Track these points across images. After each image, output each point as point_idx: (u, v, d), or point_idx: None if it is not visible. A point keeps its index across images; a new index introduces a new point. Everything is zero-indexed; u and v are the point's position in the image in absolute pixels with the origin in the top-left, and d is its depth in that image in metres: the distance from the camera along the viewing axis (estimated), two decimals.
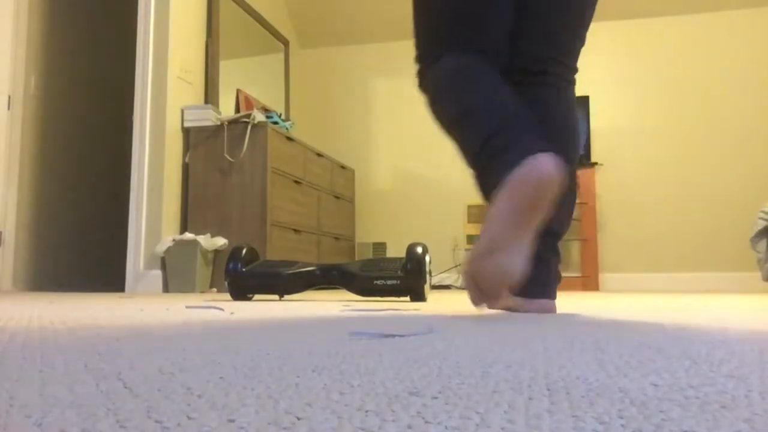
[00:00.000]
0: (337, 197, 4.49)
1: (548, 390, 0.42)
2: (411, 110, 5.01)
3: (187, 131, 3.56)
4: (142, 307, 1.62)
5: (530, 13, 1.44)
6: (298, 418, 0.34)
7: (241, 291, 2.21)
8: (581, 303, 1.99)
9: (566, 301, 2.14)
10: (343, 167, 4.64)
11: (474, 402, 0.38)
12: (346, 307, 1.62)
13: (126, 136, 4.20)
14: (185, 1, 3.64)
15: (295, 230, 3.76)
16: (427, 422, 0.33)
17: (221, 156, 3.46)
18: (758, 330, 0.92)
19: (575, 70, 1.49)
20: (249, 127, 3.42)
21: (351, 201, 4.80)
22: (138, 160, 3.40)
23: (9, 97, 3.65)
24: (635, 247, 4.55)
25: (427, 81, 1.40)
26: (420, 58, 1.44)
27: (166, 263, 3.29)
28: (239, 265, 2.20)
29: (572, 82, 1.49)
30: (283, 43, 4.96)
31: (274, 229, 3.48)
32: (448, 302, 2.11)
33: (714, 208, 4.48)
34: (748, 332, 0.88)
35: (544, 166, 1.07)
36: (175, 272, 3.25)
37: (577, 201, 4.42)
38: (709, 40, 4.60)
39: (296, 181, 3.81)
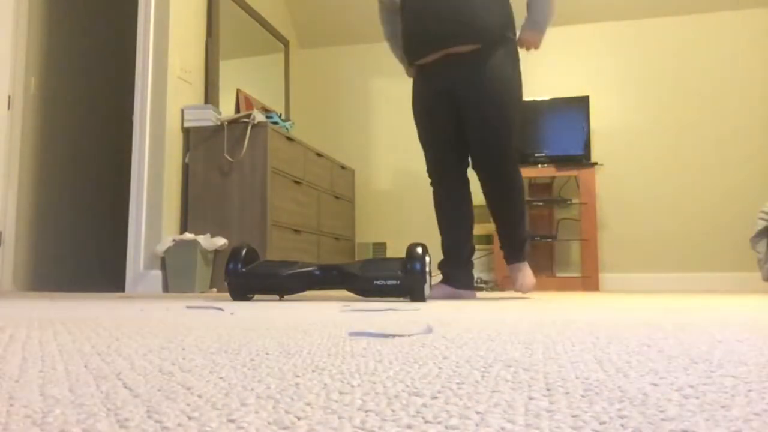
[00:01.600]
0: (337, 197, 4.49)
1: (548, 390, 0.42)
2: (411, 110, 5.01)
3: (187, 131, 3.56)
4: (142, 307, 1.62)
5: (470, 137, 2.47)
6: (298, 418, 0.34)
7: (241, 291, 2.21)
8: (581, 303, 1.99)
9: (566, 301, 2.14)
10: (343, 167, 4.64)
11: (473, 402, 0.38)
12: (346, 307, 1.62)
13: (126, 136, 4.20)
14: (185, 1, 3.64)
15: (295, 230, 3.76)
16: (427, 422, 0.33)
17: (221, 156, 3.46)
18: (758, 330, 0.92)
19: (506, 164, 2.47)
20: (249, 127, 3.42)
21: (351, 201, 4.80)
22: (138, 160, 3.40)
23: (9, 97, 3.65)
24: (635, 247, 4.55)
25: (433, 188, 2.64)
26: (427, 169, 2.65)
27: (166, 263, 3.29)
28: (239, 265, 2.20)
29: (503, 175, 2.47)
30: (283, 43, 4.96)
31: (274, 229, 3.48)
32: (448, 303, 2.12)
33: (714, 208, 4.48)
34: (748, 332, 0.88)
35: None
36: (175, 272, 3.25)
37: (577, 201, 4.43)
38: (708, 41, 4.60)
39: (296, 181, 3.81)
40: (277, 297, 2.45)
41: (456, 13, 2.34)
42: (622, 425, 0.32)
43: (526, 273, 2.58)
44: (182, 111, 3.55)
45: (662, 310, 1.54)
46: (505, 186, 2.48)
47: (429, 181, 2.66)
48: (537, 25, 2.46)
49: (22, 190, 3.75)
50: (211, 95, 3.78)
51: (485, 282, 4.38)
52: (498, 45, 2.40)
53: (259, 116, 3.49)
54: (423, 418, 0.34)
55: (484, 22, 2.35)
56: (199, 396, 0.40)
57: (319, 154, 4.18)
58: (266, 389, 0.43)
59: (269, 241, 3.40)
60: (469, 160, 2.55)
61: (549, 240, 4.35)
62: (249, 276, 2.19)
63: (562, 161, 4.35)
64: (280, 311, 1.45)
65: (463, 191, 2.57)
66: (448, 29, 2.36)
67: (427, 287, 2.12)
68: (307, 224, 3.95)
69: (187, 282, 3.23)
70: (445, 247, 2.59)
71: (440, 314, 1.34)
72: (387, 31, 2.74)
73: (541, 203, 4.45)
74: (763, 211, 3.38)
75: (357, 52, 5.21)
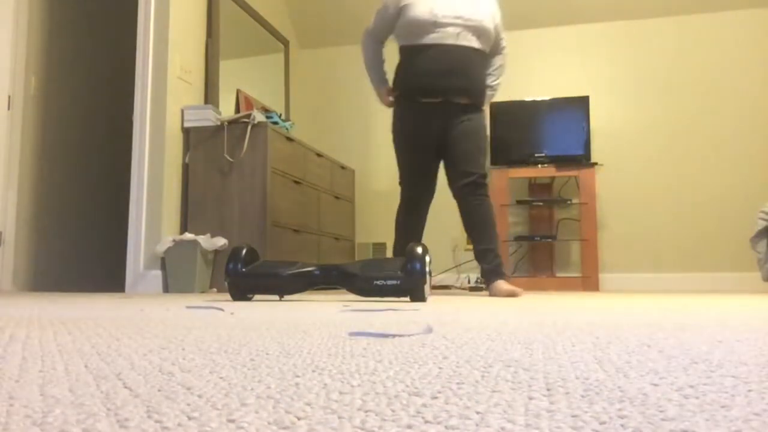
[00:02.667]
0: (337, 197, 4.49)
1: (548, 390, 0.42)
2: None
3: (187, 131, 3.56)
4: (142, 308, 1.62)
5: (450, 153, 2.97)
6: (298, 418, 0.34)
7: (241, 291, 2.21)
8: (581, 303, 1.99)
9: (566, 301, 2.14)
10: (343, 167, 4.64)
11: (473, 402, 0.38)
12: (346, 307, 1.62)
13: (126, 136, 4.20)
14: (185, 1, 3.64)
15: (295, 230, 3.76)
16: (427, 422, 0.33)
17: (221, 156, 3.46)
18: (758, 330, 0.92)
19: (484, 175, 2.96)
20: (249, 127, 3.42)
21: (351, 201, 4.80)
22: (138, 160, 3.40)
23: (9, 97, 3.65)
24: (635, 247, 4.55)
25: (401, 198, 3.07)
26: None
27: (166, 263, 3.29)
28: (239, 265, 2.20)
29: (483, 193, 2.94)
30: (283, 43, 4.96)
31: (274, 229, 3.48)
32: (448, 302, 2.12)
33: (714, 208, 4.48)
34: (748, 332, 0.88)
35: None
36: (175, 272, 3.25)
37: (577, 201, 4.43)
38: (708, 41, 4.60)
39: (296, 181, 3.81)
40: (277, 297, 2.45)
41: (462, 73, 2.86)
42: (622, 425, 0.32)
43: (504, 285, 2.82)
44: (182, 111, 3.55)
45: (662, 310, 1.54)
46: (486, 203, 2.92)
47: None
48: (493, 96, 3.13)
49: (22, 190, 3.75)
50: (211, 95, 3.78)
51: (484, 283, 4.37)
52: (481, 104, 3.00)
53: (259, 116, 3.49)
54: (423, 418, 0.34)
55: (480, 84, 2.93)
56: (199, 396, 0.40)
57: (319, 154, 4.18)
58: (266, 389, 0.43)
59: (269, 241, 3.40)
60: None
61: (549, 240, 4.35)
62: (249, 276, 2.19)
63: (562, 161, 4.35)
64: (280, 311, 1.45)
65: (427, 206, 3.05)
66: (454, 85, 2.86)
67: (427, 287, 2.12)
68: (307, 224, 3.95)
69: (187, 282, 3.23)
70: (402, 245, 3.00)
71: (440, 314, 1.34)
72: (370, 57, 3.10)
73: (541, 203, 4.45)
74: (763, 211, 3.38)
75: (357, 52, 5.21)
